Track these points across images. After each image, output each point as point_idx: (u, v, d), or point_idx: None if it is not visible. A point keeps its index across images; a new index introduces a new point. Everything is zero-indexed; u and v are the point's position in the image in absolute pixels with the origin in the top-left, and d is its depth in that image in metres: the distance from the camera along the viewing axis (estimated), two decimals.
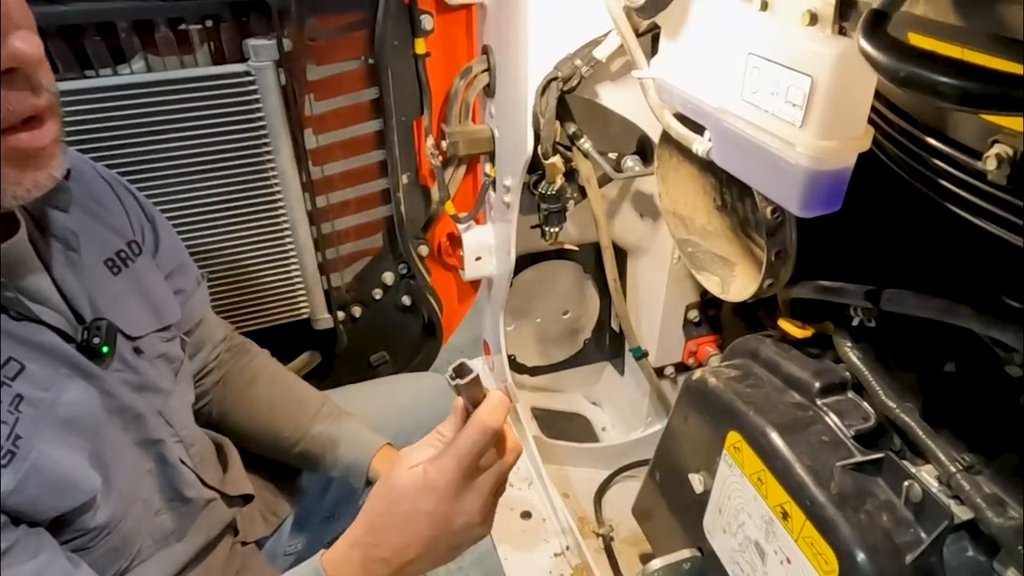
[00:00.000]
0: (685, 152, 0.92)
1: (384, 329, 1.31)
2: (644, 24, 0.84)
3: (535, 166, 1.02)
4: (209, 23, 0.92)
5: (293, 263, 1.12)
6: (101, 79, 0.89)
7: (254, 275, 1.10)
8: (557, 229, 1.07)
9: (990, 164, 0.44)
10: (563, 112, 0.98)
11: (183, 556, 0.71)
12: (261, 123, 0.98)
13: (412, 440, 0.96)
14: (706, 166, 0.94)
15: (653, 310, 1.22)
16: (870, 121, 0.57)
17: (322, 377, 1.30)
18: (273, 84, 0.96)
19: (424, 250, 1.26)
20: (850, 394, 0.77)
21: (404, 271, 1.26)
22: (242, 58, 0.95)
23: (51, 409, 0.53)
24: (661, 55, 0.78)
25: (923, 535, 0.63)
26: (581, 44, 0.92)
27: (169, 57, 0.92)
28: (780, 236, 0.76)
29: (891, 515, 0.66)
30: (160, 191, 0.98)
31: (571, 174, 1.04)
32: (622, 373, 1.43)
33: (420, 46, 1.05)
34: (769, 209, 0.75)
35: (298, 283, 1.15)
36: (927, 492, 0.63)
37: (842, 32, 0.53)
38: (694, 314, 1.22)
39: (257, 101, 0.96)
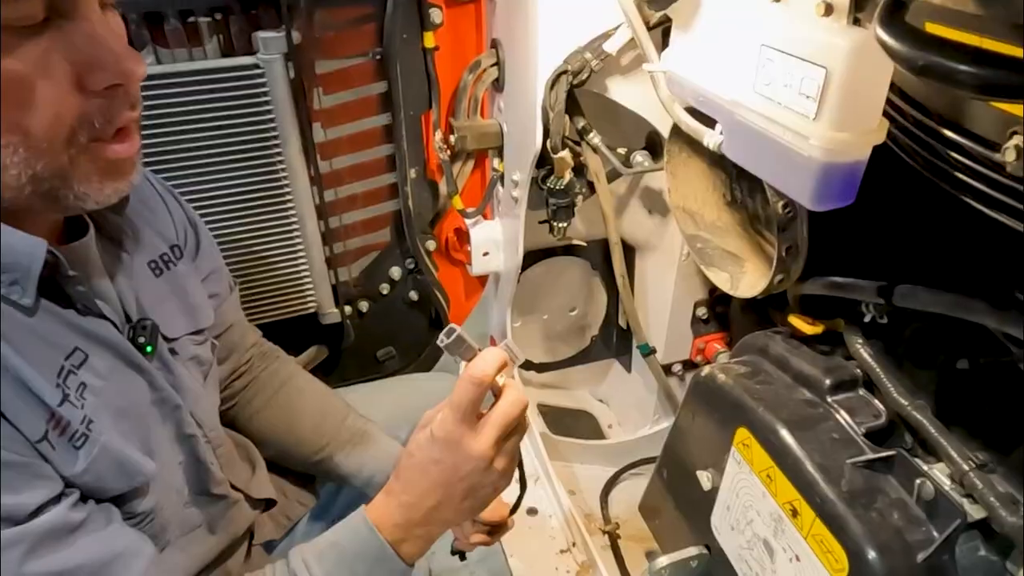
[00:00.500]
0: (695, 147, 0.91)
1: (391, 324, 1.31)
2: (655, 17, 0.84)
3: (544, 161, 1.02)
4: (218, 16, 0.92)
5: (301, 257, 1.12)
6: None
7: (262, 269, 1.10)
8: (565, 224, 1.06)
9: (1009, 156, 0.43)
10: (572, 107, 0.97)
11: (207, 551, 0.72)
12: (270, 116, 0.98)
13: None
14: (716, 161, 0.93)
15: (661, 307, 1.21)
16: (884, 114, 0.56)
17: (328, 372, 1.30)
18: (282, 77, 0.96)
19: (431, 245, 1.26)
20: (861, 391, 0.76)
21: (411, 266, 1.26)
22: (251, 51, 0.95)
23: (109, 398, 0.56)
24: (672, 48, 0.78)
25: (935, 534, 0.63)
26: (591, 37, 0.91)
27: (178, 49, 0.92)
28: (791, 231, 0.76)
29: (902, 513, 0.65)
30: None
31: (580, 169, 1.03)
32: (629, 370, 1.43)
33: (429, 40, 1.05)
34: (781, 204, 0.74)
35: (306, 277, 1.14)
36: (939, 490, 0.63)
37: (857, 23, 0.52)
38: (702, 311, 1.21)
39: (266, 94, 0.96)
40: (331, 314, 1.20)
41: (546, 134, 0.97)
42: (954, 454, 0.63)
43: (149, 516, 0.61)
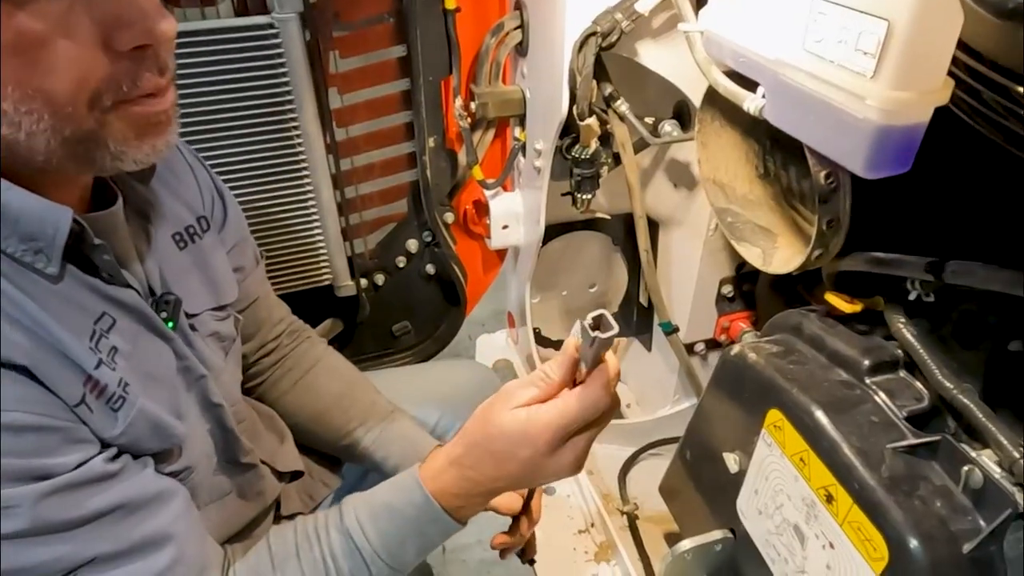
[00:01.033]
0: (728, 116, 0.87)
1: (407, 298, 1.29)
2: None
3: (568, 129, 0.98)
4: None
5: (316, 227, 1.10)
6: None
7: (276, 238, 1.08)
8: (590, 196, 1.02)
9: None
10: (599, 72, 0.93)
11: (236, 518, 0.72)
12: (284, 79, 0.95)
13: (452, 430, 0.98)
14: (749, 131, 0.89)
15: (685, 284, 1.18)
16: (948, 73, 0.52)
17: (343, 345, 1.28)
18: (297, 37, 0.92)
19: (450, 217, 1.23)
20: (902, 373, 0.72)
21: (429, 239, 1.23)
22: (265, 10, 0.91)
23: (138, 362, 0.55)
24: (711, 6, 0.73)
25: (982, 523, 0.59)
26: None
27: (191, 8, 0.89)
28: (833, 203, 0.71)
29: (947, 501, 0.62)
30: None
31: (605, 139, 0.99)
32: (649, 349, 1.40)
33: (450, 1, 1.00)
34: (823, 174, 0.70)
35: (321, 248, 1.12)
36: (989, 478, 0.59)
37: None
38: (728, 289, 1.18)
39: (280, 56, 0.93)
40: (346, 287, 1.18)
41: (572, 100, 0.92)
42: (1004, 441, 0.60)
43: (182, 476, 0.61)
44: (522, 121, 1.12)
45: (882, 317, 0.75)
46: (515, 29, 1.03)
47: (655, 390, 1.38)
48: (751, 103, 0.67)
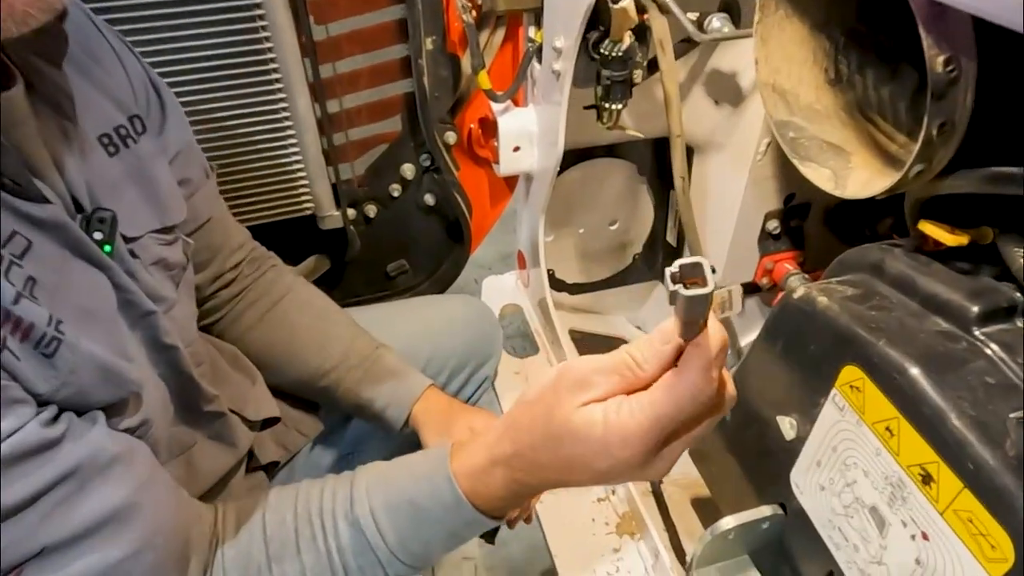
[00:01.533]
0: (795, 3, 0.71)
1: (403, 232, 1.17)
2: None
3: (594, 22, 0.81)
4: None
5: (292, 146, 0.95)
6: None
7: (243, 157, 0.94)
8: (620, 107, 0.86)
9: None
10: None
11: (202, 476, 0.65)
12: None
13: (445, 369, 0.87)
14: (820, 24, 0.73)
15: (724, 219, 1.03)
16: None
17: (331, 287, 1.16)
18: None
19: (451, 138, 1.08)
20: (1020, 322, 0.58)
21: (427, 163, 1.10)
22: None
23: (67, 296, 0.46)
24: None
25: None
26: None
27: None
28: (950, 100, 0.55)
29: None
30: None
31: (641, 35, 0.82)
32: None
33: None
34: (942, 59, 0.53)
35: (299, 171, 0.98)
36: None
37: None
38: (773, 224, 1.03)
39: None
40: (331, 217, 1.04)
41: None
42: None
43: (139, 432, 0.52)
44: (538, 19, 0.95)
45: (987, 254, 0.61)
46: None
47: None
48: None
